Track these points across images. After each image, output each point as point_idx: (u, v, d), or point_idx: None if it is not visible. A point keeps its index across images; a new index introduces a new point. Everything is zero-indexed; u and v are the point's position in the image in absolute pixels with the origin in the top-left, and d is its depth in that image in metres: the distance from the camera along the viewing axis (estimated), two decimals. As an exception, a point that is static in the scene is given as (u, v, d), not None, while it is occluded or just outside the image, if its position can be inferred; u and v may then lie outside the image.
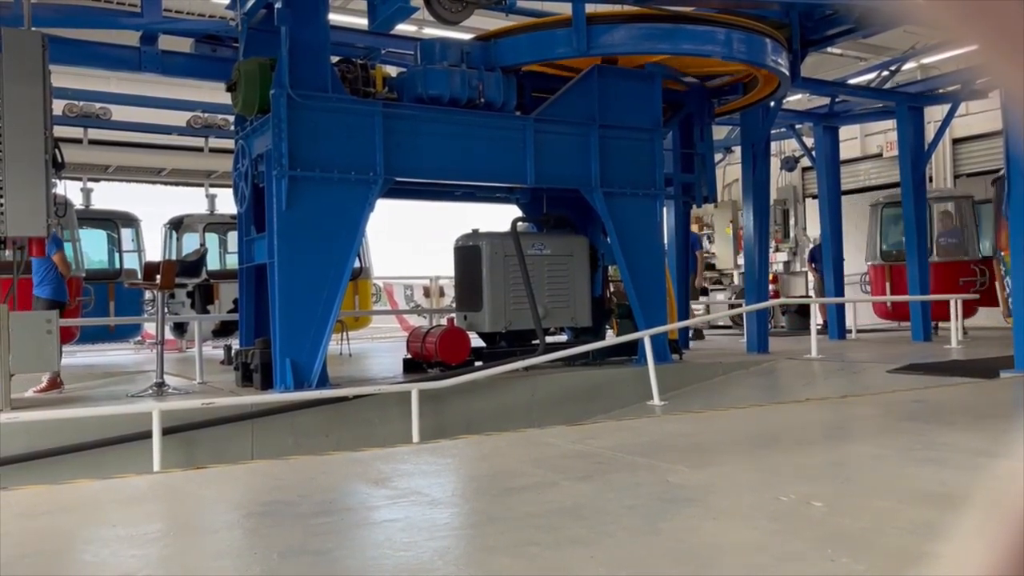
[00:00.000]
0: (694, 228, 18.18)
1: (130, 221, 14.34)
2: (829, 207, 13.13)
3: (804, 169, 19.00)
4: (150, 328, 12.79)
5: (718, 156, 14.21)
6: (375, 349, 12.94)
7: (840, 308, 13.04)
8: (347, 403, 6.92)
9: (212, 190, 14.55)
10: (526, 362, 7.81)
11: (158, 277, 7.69)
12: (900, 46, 14.24)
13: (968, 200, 13.73)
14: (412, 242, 21.10)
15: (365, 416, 6.98)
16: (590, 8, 8.52)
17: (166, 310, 8.30)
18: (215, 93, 10.53)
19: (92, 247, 13.99)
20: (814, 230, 17.68)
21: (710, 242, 20.35)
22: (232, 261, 13.15)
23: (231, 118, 10.88)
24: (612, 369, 8.71)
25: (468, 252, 8.96)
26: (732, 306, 16.20)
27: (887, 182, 17.05)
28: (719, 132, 14.08)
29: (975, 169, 16.95)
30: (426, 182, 8.70)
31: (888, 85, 13.10)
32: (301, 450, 6.07)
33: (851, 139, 17.73)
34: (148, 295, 12.73)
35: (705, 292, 15.59)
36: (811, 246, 17.29)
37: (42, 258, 7.52)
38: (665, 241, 10.25)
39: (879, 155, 18.37)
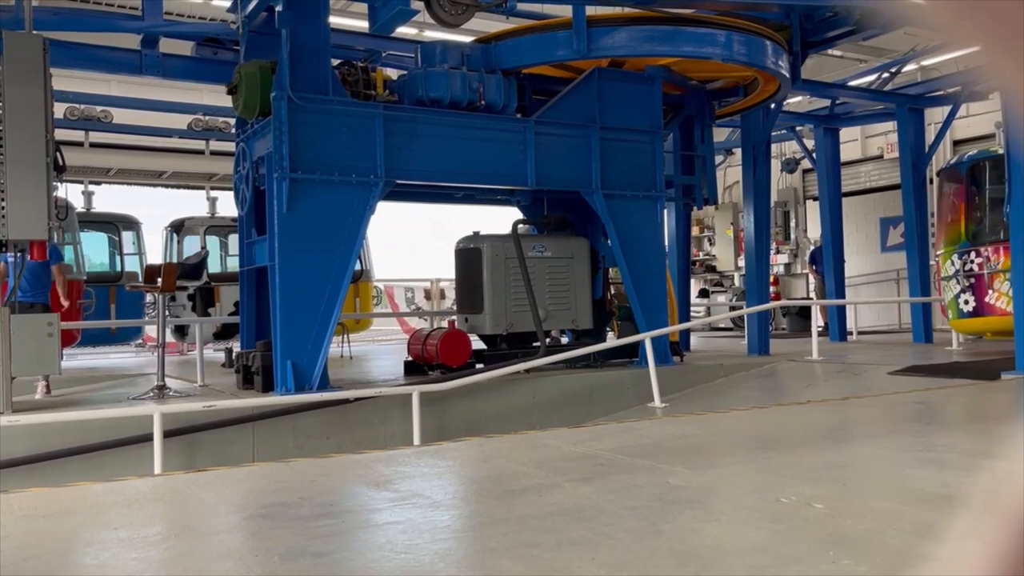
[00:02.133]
0: (695, 230, 18.20)
1: (131, 224, 14.35)
2: (830, 209, 13.13)
3: (805, 171, 18.99)
4: (151, 331, 12.79)
5: (719, 158, 14.21)
6: (376, 351, 12.94)
7: (841, 310, 13.03)
8: (348, 405, 6.92)
9: (213, 193, 14.57)
10: (527, 364, 7.81)
11: (159, 280, 7.69)
12: (901, 48, 14.24)
13: None
14: (407, 243, 21.08)
15: (366, 418, 6.98)
16: (591, 10, 8.52)
17: (167, 313, 8.29)
18: (216, 96, 10.57)
19: (93, 250, 14.01)
20: (815, 232, 17.68)
21: (710, 244, 20.36)
22: (233, 264, 13.18)
23: (232, 121, 10.89)
24: (613, 371, 8.70)
25: (469, 254, 8.96)
26: (733, 308, 16.21)
27: (888, 184, 17.05)
28: (720, 134, 14.09)
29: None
30: (426, 184, 8.70)
31: (889, 87, 13.10)
32: (302, 452, 6.07)
33: (852, 141, 17.73)
34: (149, 298, 12.72)
35: None
36: (812, 248, 17.29)
37: (41, 264, 7.51)
38: (666, 243, 10.24)
39: (880, 157, 18.37)
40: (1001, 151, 9.40)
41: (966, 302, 9.24)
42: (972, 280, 9.13)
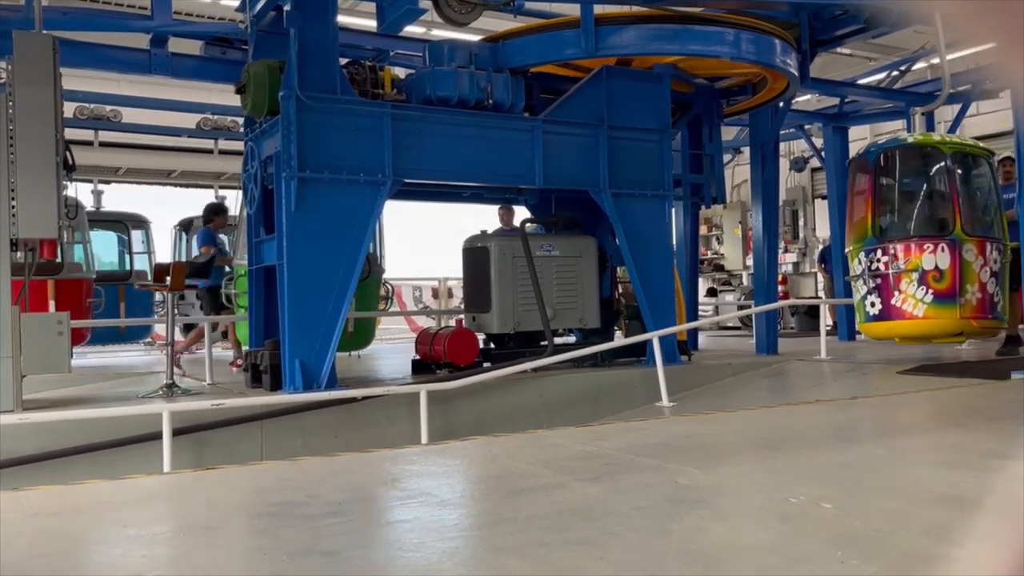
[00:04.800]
0: (703, 229, 18.16)
1: (140, 223, 14.41)
2: (839, 208, 13.06)
3: (813, 170, 18.93)
4: (160, 329, 12.84)
5: (727, 157, 14.16)
6: (383, 350, 12.95)
7: (850, 309, 12.96)
8: (356, 404, 6.93)
9: (222, 192, 14.63)
10: (535, 363, 7.80)
11: (168, 279, 7.72)
12: (910, 46, 14.17)
13: None
14: (414, 242, 21.10)
15: (374, 417, 6.99)
16: (599, 9, 8.51)
17: (176, 311, 8.32)
18: (224, 95, 10.57)
19: (103, 249, 14.07)
20: (823, 231, 17.61)
21: (719, 243, 20.32)
22: (241, 262, 13.17)
23: (240, 120, 10.92)
24: (621, 370, 8.69)
25: (476, 253, 8.96)
26: (741, 307, 16.18)
27: (897, 182, 16.95)
28: (728, 133, 14.04)
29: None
30: (434, 183, 8.71)
31: (898, 85, 13.04)
32: (310, 451, 6.08)
33: (861, 139, 17.61)
34: (158, 296, 12.79)
35: None
36: (821, 247, 17.23)
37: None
38: (674, 242, 10.23)
39: (889, 155, 18.26)
40: (911, 139, 8.78)
41: (872, 304, 8.45)
42: (878, 281, 8.38)
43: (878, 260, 8.36)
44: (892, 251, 8.29)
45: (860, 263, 8.57)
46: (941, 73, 8.98)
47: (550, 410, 7.82)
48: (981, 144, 9.19)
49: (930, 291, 8.04)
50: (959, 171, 8.36)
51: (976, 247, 8.09)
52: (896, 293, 8.20)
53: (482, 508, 3.46)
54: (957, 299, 8.00)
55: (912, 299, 8.10)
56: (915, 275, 8.07)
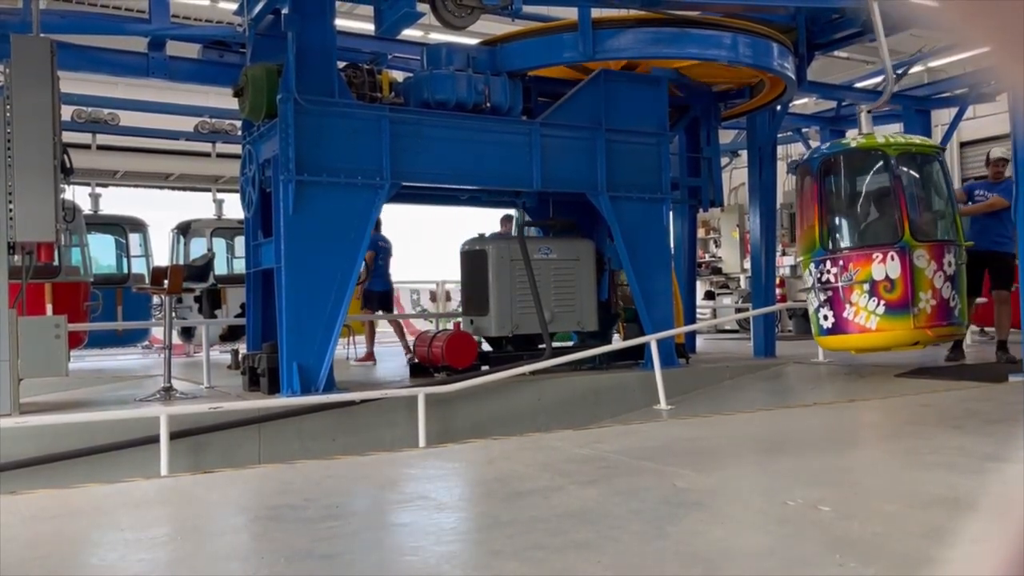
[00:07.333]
0: (701, 232, 18.15)
1: (138, 226, 14.40)
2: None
3: (811, 173, 18.91)
4: (158, 332, 12.82)
5: (725, 160, 14.19)
6: (382, 353, 12.93)
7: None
8: (354, 407, 6.92)
9: (220, 195, 14.63)
10: (533, 366, 7.80)
11: (166, 282, 7.71)
12: (907, 49, 14.20)
13: None
14: (411, 245, 21.13)
15: (372, 420, 6.99)
16: (596, 13, 8.52)
17: (173, 315, 8.32)
18: (222, 98, 10.59)
19: (100, 252, 14.06)
20: (821, 234, 17.57)
21: (716, 246, 20.32)
22: (239, 266, 13.21)
23: (238, 123, 10.92)
24: (618, 373, 8.69)
25: (474, 256, 8.96)
26: (739, 310, 16.19)
27: (894, 185, 16.98)
28: (726, 136, 14.07)
29: (983, 172, 16.85)
30: (432, 186, 8.71)
31: (895, 88, 13.06)
32: (308, 454, 6.07)
33: (858, 142, 17.66)
34: (156, 300, 12.76)
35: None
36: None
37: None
38: (672, 245, 10.24)
39: (886, 158, 18.28)
40: (854, 143, 8.29)
41: (825, 317, 8.01)
42: (829, 293, 7.93)
43: (827, 272, 7.94)
44: (841, 262, 7.89)
45: (811, 274, 8.18)
46: (884, 70, 8.76)
47: (548, 413, 7.82)
48: (930, 141, 9.03)
49: (882, 302, 7.64)
50: (907, 173, 7.97)
51: (928, 252, 7.67)
52: (848, 306, 7.81)
53: (480, 511, 3.46)
54: (910, 308, 7.60)
55: (864, 311, 7.70)
56: (866, 286, 7.68)
